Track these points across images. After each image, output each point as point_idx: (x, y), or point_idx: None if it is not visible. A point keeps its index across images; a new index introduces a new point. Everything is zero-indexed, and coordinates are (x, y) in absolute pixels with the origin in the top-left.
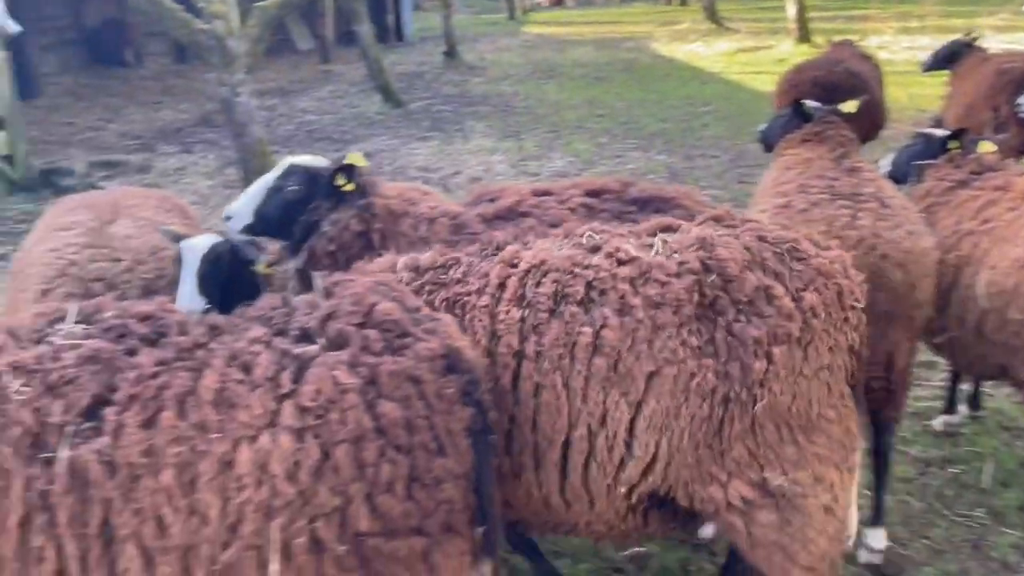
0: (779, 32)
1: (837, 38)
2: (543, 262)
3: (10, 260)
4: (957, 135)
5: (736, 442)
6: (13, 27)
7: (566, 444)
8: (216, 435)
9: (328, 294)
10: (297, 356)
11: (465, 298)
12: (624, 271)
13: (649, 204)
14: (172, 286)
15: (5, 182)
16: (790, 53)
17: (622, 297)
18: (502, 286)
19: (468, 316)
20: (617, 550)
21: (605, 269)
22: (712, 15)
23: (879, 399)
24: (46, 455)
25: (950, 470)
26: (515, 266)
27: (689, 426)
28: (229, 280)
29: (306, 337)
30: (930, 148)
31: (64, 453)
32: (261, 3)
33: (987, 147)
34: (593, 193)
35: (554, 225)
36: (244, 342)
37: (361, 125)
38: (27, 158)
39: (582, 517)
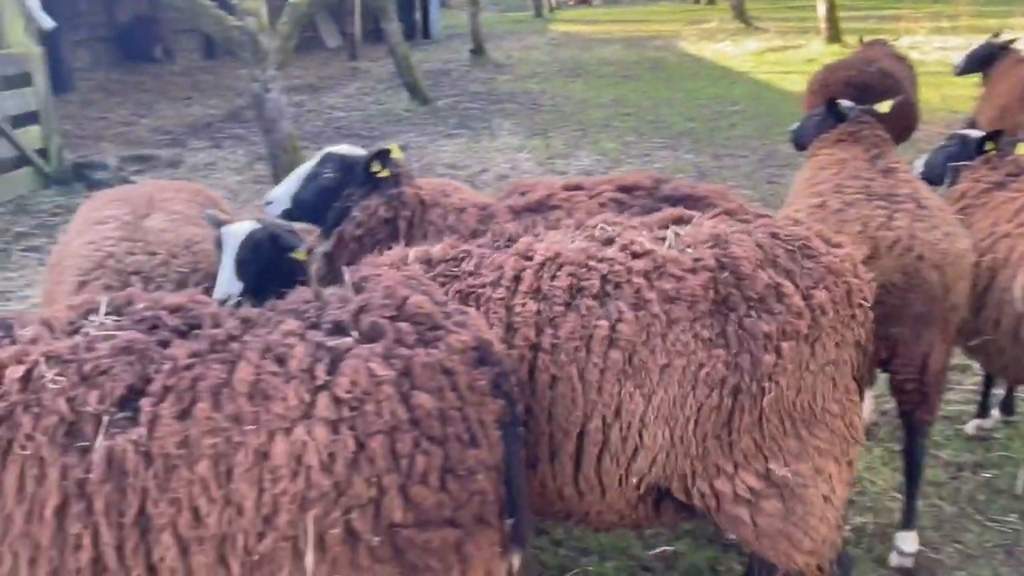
0: (808, 31)
1: (868, 38)
2: (558, 255)
3: (44, 252)
4: (993, 136)
5: (744, 434)
6: (48, 22)
7: (581, 435)
8: (251, 427)
9: (358, 288)
10: (331, 348)
11: (479, 290)
12: (639, 264)
13: (681, 203)
14: (206, 279)
15: (39, 175)
16: (820, 53)
17: (637, 291)
18: (517, 279)
19: (482, 308)
20: (645, 548)
21: (620, 262)
22: (741, 14)
23: (913, 401)
24: (82, 444)
25: (982, 474)
26: (530, 259)
27: (696, 416)
28: (267, 265)
29: (340, 330)
30: (966, 150)
31: (101, 442)
32: (293, 0)
33: None
34: (625, 189)
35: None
36: (278, 335)
37: (388, 122)
38: (60, 152)
39: (593, 507)
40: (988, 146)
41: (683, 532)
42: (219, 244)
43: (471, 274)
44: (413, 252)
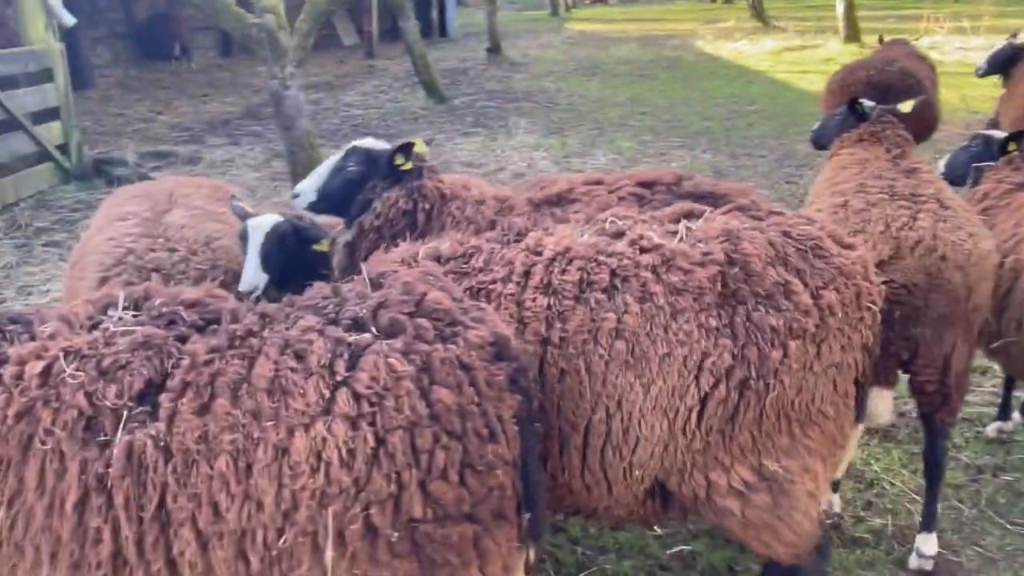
0: (826, 31)
1: (888, 37)
2: (568, 249)
3: (65, 247)
4: (1016, 137)
5: (744, 429)
6: (69, 19)
7: (587, 428)
8: (271, 422)
9: (376, 284)
10: (351, 344)
11: (489, 286)
12: (647, 259)
13: (701, 200)
14: (226, 275)
15: (60, 171)
16: (838, 52)
17: (643, 285)
18: (527, 274)
19: (493, 304)
20: (663, 547)
21: (628, 257)
22: (758, 13)
23: (934, 402)
24: (101, 438)
25: (1003, 477)
26: (540, 254)
27: (701, 408)
28: (291, 258)
29: (359, 326)
30: (989, 150)
31: (120, 436)
32: None
33: None
34: (645, 184)
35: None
36: (297, 330)
37: (405, 120)
38: (80, 148)
39: (601, 502)
40: (1011, 147)
41: (701, 532)
42: (243, 237)
43: (481, 270)
44: (423, 249)
